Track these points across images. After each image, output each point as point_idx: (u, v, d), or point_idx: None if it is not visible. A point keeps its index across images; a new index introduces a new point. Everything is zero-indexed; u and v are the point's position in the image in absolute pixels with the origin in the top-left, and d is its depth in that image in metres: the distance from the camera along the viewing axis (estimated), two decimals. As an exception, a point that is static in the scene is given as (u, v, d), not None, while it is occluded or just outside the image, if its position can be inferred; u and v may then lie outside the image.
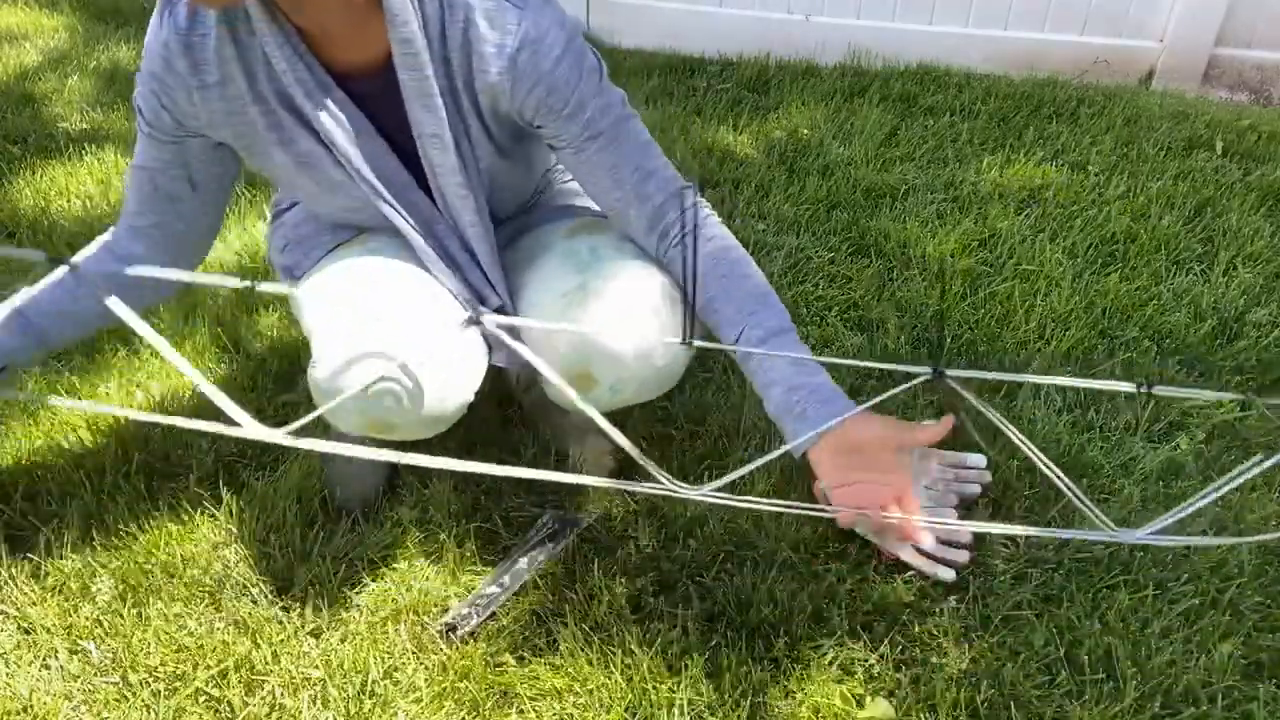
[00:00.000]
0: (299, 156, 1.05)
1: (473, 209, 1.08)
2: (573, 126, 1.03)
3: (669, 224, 1.10)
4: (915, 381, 0.63)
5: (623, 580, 1.22)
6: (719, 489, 0.57)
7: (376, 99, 1.03)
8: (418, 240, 1.10)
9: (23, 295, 1.10)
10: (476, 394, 1.13)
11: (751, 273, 1.11)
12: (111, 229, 1.17)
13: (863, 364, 0.50)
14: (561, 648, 1.14)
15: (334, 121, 1.01)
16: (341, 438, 1.38)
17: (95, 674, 1.10)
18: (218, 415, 1.47)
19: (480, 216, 1.09)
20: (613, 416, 1.48)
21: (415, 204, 1.10)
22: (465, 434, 1.45)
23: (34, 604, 1.18)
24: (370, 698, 1.08)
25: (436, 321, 1.08)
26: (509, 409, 1.49)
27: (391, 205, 1.07)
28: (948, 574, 1.22)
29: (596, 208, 1.26)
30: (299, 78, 0.97)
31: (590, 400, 1.13)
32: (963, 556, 1.24)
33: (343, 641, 1.14)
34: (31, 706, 1.07)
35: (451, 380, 1.08)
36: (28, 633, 1.15)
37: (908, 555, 1.24)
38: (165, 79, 1.00)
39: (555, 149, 1.09)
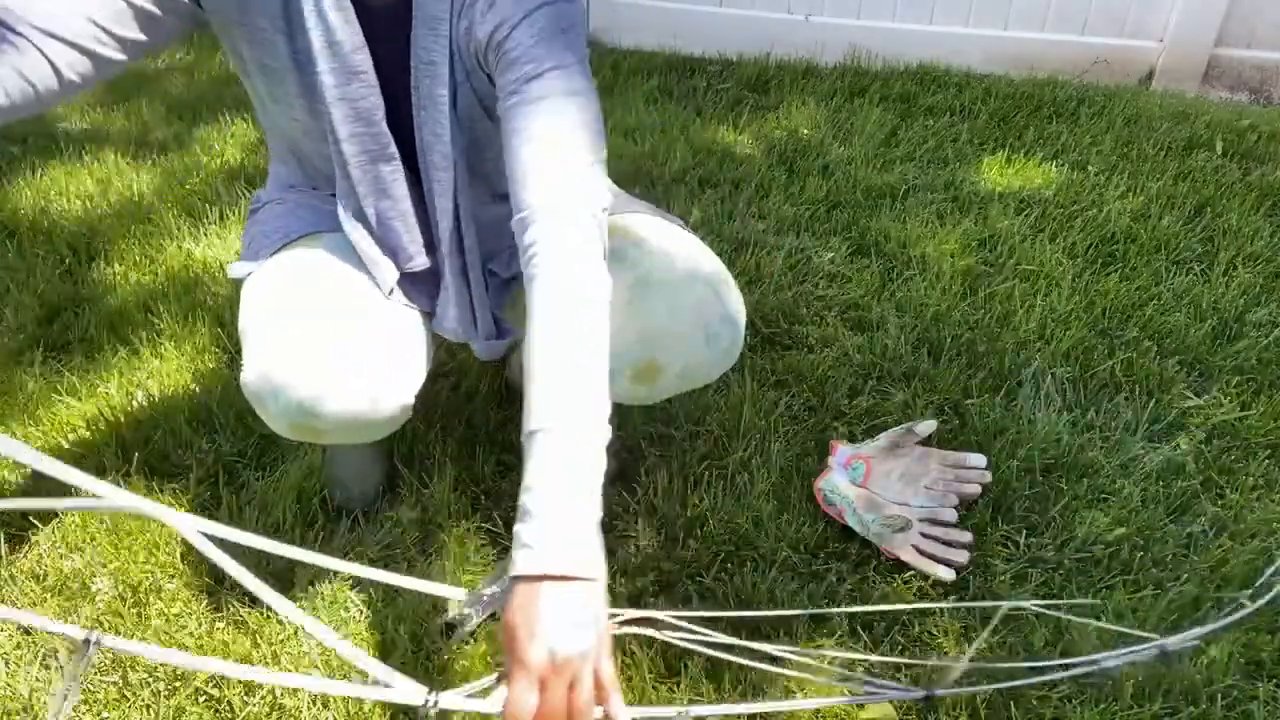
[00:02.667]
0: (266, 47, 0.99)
1: (446, 153, 1.03)
2: (513, 73, 0.93)
3: (537, 237, 0.88)
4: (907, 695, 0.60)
5: (623, 580, 1.22)
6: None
7: (383, 21, 0.99)
8: (342, 165, 1.05)
9: None
10: (418, 397, 1.10)
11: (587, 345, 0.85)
12: None
13: (846, 700, 0.47)
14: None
15: (323, 24, 0.96)
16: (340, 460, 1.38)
17: (95, 674, 1.10)
18: (217, 419, 1.46)
19: (450, 166, 1.04)
20: (615, 413, 1.48)
21: (371, 134, 1.03)
22: (465, 431, 1.45)
23: (34, 604, 1.18)
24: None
25: (371, 323, 1.06)
26: (509, 408, 1.50)
27: (334, 104, 1.00)
28: (948, 574, 1.22)
29: (630, 202, 1.21)
30: None
31: (659, 390, 1.12)
32: (962, 556, 1.24)
33: (343, 639, 1.14)
34: (31, 706, 1.07)
35: (385, 384, 1.04)
36: (28, 633, 1.15)
37: (908, 555, 1.24)
38: None
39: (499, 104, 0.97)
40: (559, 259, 0.86)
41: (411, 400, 1.09)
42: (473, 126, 1.06)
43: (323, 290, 1.06)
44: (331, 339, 1.01)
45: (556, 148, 0.90)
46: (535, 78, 0.92)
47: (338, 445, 1.37)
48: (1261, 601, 1.12)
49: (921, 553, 1.24)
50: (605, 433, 0.83)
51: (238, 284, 1.15)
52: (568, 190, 0.88)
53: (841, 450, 1.38)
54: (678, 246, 1.11)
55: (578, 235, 0.87)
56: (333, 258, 1.10)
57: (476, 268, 1.11)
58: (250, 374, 1.01)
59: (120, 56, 0.91)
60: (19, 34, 0.83)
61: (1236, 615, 1.10)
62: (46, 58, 0.85)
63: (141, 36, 0.92)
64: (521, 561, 0.75)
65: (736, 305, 1.10)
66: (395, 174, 1.07)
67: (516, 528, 0.77)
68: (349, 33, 0.97)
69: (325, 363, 1.00)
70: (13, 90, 0.83)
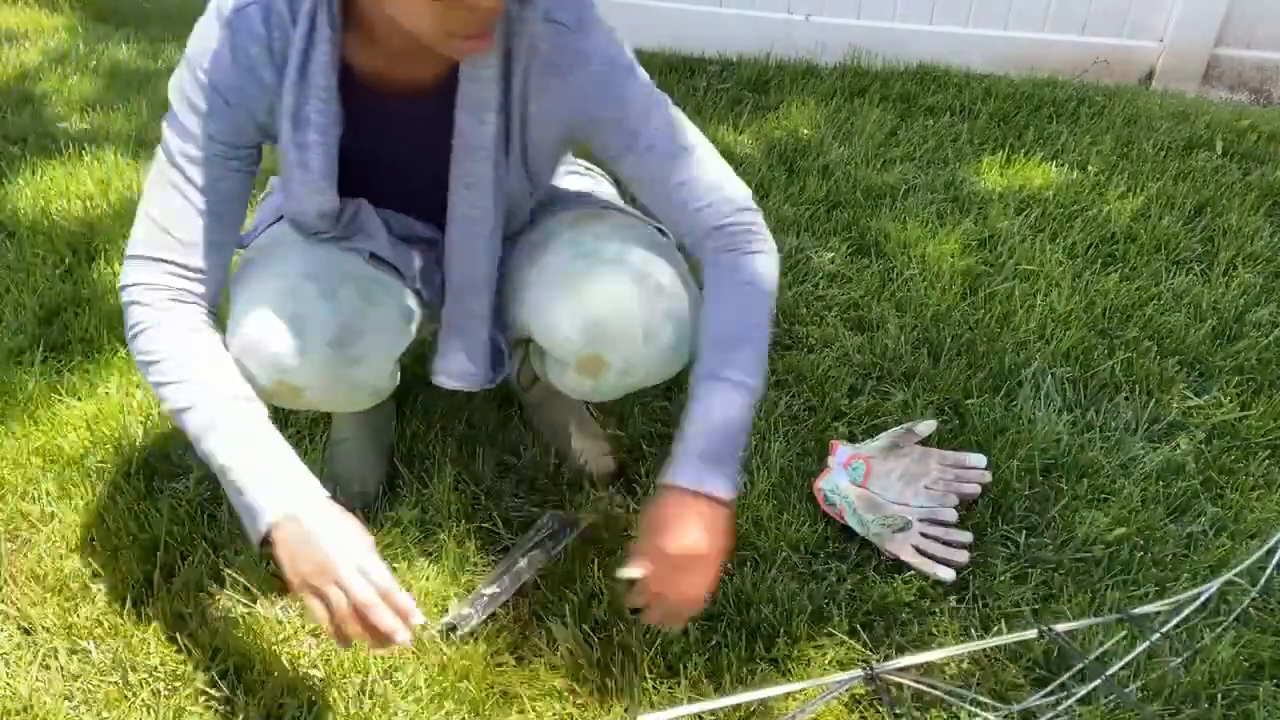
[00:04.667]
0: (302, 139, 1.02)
1: (489, 228, 1.08)
2: (624, 137, 1.03)
3: (719, 244, 1.05)
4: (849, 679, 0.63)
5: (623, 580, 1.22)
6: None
7: (405, 117, 1.03)
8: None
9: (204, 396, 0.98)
10: (401, 365, 1.13)
11: (754, 331, 1.03)
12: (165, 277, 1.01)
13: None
14: (561, 648, 1.14)
15: (322, 119, 0.99)
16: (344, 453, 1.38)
17: (95, 674, 1.10)
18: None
19: (493, 237, 1.09)
20: (615, 413, 1.48)
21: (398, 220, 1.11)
22: (465, 431, 1.45)
23: (34, 604, 1.18)
24: (370, 698, 1.08)
25: (354, 286, 1.06)
26: (509, 408, 1.50)
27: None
28: (948, 574, 1.22)
29: (596, 197, 1.25)
30: (323, 64, 0.95)
31: (602, 384, 1.13)
32: (962, 556, 1.24)
33: (343, 641, 1.14)
34: (31, 706, 1.07)
35: (363, 343, 1.05)
36: (28, 633, 1.15)
37: (908, 555, 1.24)
38: (240, 62, 0.95)
39: (610, 160, 1.06)
40: (743, 264, 1.03)
41: (392, 365, 1.10)
42: (510, 195, 1.09)
43: (309, 255, 1.07)
44: (311, 298, 1.02)
45: (702, 173, 1.04)
46: (640, 130, 1.02)
47: (339, 442, 1.37)
48: (1218, 583, 1.13)
49: (921, 553, 1.24)
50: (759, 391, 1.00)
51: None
52: (732, 209, 1.04)
53: (841, 450, 1.38)
54: (639, 247, 1.10)
55: (755, 245, 1.05)
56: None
57: (489, 315, 1.15)
58: (231, 333, 1.04)
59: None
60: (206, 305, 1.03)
61: (1200, 593, 1.10)
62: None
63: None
64: (683, 476, 0.95)
65: (680, 307, 1.08)
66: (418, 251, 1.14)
67: (681, 447, 0.97)
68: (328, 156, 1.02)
69: (303, 319, 1.01)
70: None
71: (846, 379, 1.57)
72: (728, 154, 2.33)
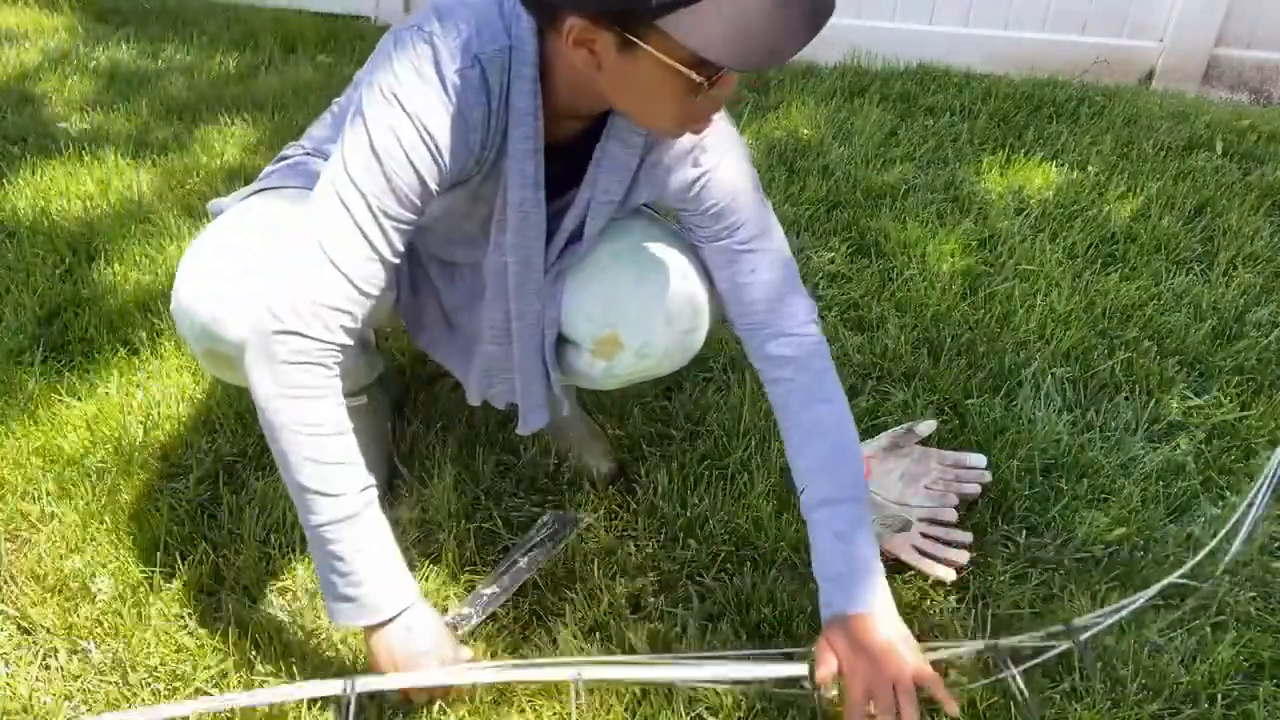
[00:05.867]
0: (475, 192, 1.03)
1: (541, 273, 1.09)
2: (726, 237, 1.08)
3: (784, 353, 1.10)
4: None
5: (623, 580, 1.22)
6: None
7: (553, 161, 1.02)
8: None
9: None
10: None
11: (848, 445, 1.08)
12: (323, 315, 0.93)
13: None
14: (561, 648, 1.14)
15: (522, 175, 0.98)
16: None
17: (95, 674, 1.10)
18: (217, 419, 1.46)
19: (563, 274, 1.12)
20: (615, 413, 1.48)
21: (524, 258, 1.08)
22: (465, 431, 1.45)
23: (34, 604, 1.18)
24: (370, 698, 1.08)
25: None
26: (509, 408, 1.49)
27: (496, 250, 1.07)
28: (948, 574, 1.22)
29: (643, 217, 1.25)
30: (527, 131, 0.95)
31: (616, 366, 1.14)
32: (963, 556, 1.24)
33: (343, 642, 1.14)
34: (31, 706, 1.07)
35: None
36: (28, 633, 1.15)
37: (908, 555, 1.24)
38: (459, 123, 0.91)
39: (701, 239, 1.10)
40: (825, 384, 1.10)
41: (349, 341, 0.96)
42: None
43: (265, 228, 1.05)
44: (248, 268, 1.01)
45: (783, 287, 1.12)
46: (741, 226, 1.08)
47: None
48: (1161, 584, 1.14)
49: (922, 553, 1.24)
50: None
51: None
52: (803, 323, 1.11)
53: (841, 450, 1.38)
54: (667, 242, 1.12)
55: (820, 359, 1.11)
56: (298, 207, 1.00)
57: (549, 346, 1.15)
58: (173, 298, 1.05)
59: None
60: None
61: (1136, 599, 1.11)
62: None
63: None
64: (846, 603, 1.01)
65: (703, 298, 1.12)
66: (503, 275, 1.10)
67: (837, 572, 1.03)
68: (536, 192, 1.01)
69: (234, 287, 1.01)
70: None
71: (846, 379, 1.56)
72: (728, 154, 2.33)
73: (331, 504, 0.94)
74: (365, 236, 0.91)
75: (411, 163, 0.90)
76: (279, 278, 0.92)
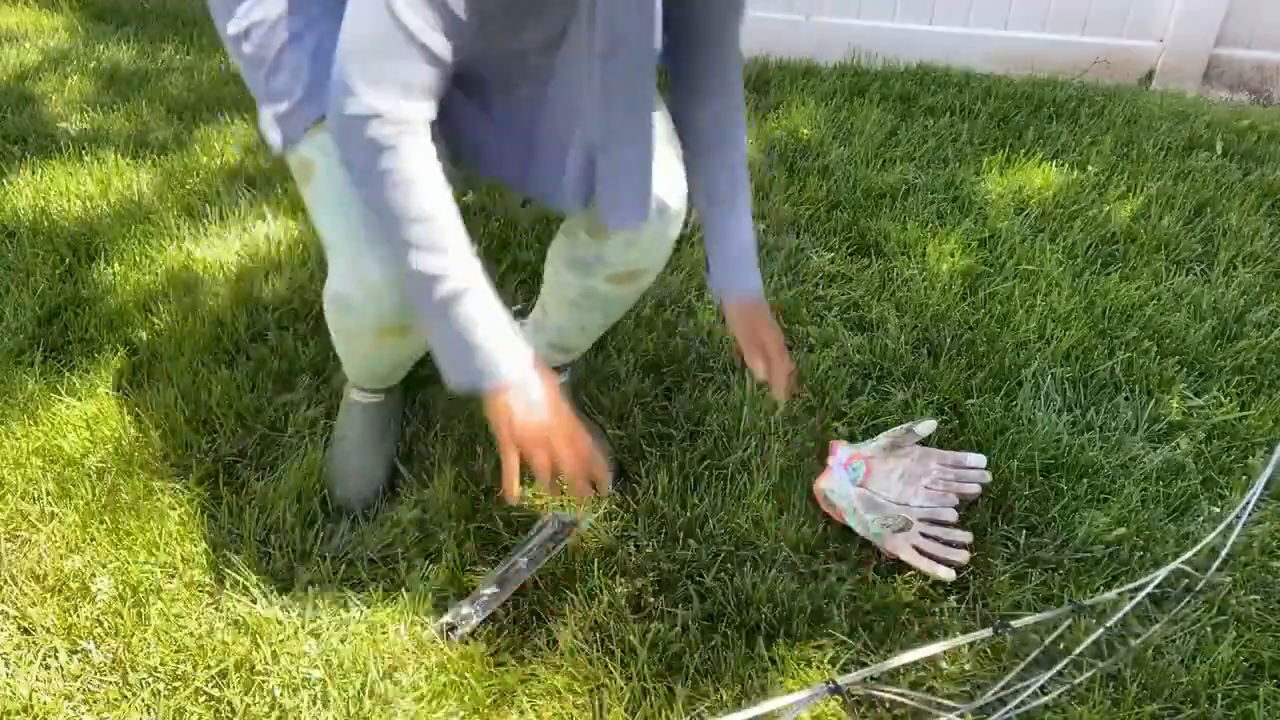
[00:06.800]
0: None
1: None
2: None
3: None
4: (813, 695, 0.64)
5: (623, 580, 1.22)
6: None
7: None
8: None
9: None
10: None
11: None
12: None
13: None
14: (561, 648, 1.14)
15: None
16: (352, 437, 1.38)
17: (95, 674, 1.10)
18: (217, 419, 1.46)
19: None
20: (615, 413, 1.48)
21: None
22: (465, 431, 1.45)
23: (34, 604, 1.18)
24: (370, 698, 1.08)
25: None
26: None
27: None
28: (948, 574, 1.22)
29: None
30: None
31: (604, 251, 1.18)
32: (962, 556, 1.24)
33: (343, 642, 1.14)
34: (31, 706, 1.07)
35: None
36: (28, 633, 1.15)
37: (908, 555, 1.24)
38: None
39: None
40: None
41: None
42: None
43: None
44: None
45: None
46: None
47: (341, 440, 1.37)
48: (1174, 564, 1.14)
49: (921, 553, 1.24)
50: None
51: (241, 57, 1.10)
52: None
53: (841, 450, 1.38)
54: (668, 134, 1.17)
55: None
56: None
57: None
58: (346, 283, 1.07)
59: None
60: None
61: (1155, 576, 1.11)
62: None
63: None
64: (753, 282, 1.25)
65: (684, 192, 1.17)
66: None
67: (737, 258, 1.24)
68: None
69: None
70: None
71: (846, 379, 1.57)
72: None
73: (440, 285, 0.94)
74: (414, 45, 0.91)
75: None
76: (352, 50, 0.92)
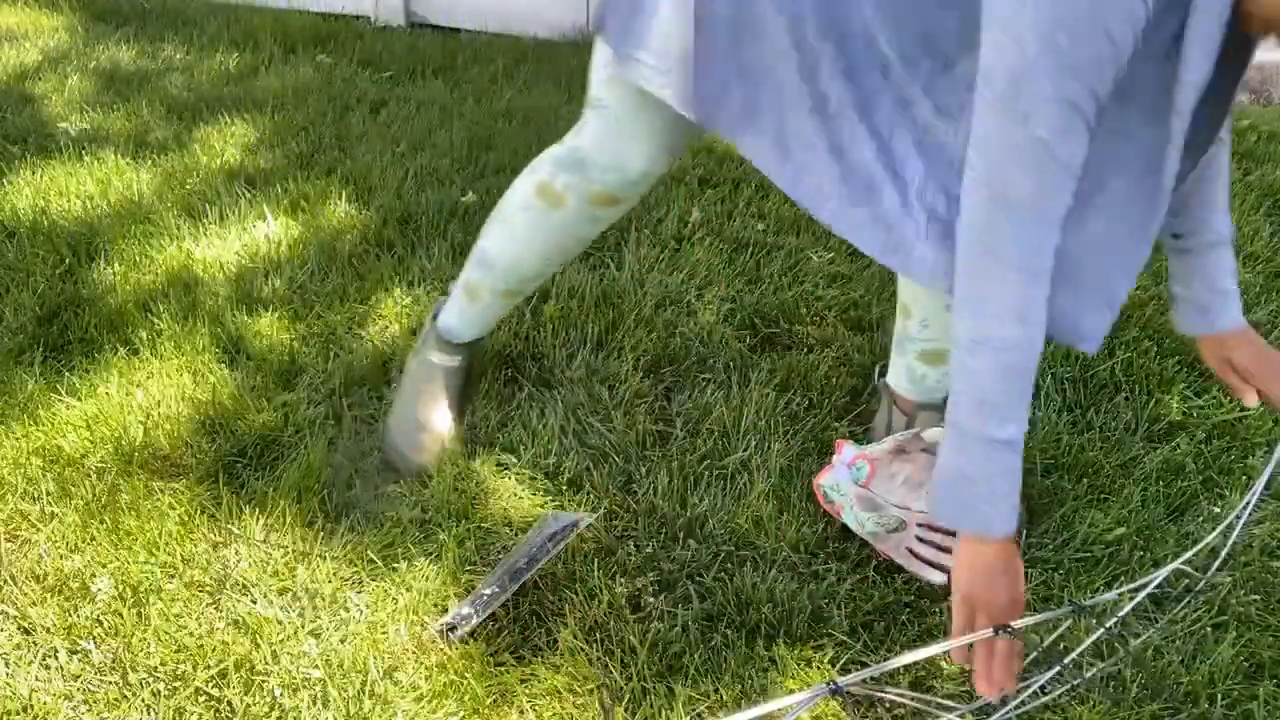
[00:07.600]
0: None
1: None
2: None
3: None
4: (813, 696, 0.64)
5: (623, 580, 1.22)
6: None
7: None
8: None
9: None
10: None
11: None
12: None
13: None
14: (561, 648, 1.14)
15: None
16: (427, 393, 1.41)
17: (95, 674, 1.10)
18: (217, 419, 1.46)
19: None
20: (615, 407, 1.48)
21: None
22: (465, 431, 1.45)
23: (34, 604, 1.18)
24: (370, 698, 1.08)
25: None
26: (509, 407, 1.49)
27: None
28: (938, 577, 1.22)
29: None
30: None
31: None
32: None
33: (343, 642, 1.14)
34: (31, 706, 1.07)
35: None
36: (28, 633, 1.15)
37: (900, 557, 1.24)
38: None
39: None
40: None
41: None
42: None
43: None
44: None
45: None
46: None
47: (417, 402, 1.42)
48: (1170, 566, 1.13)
49: (915, 556, 1.24)
50: None
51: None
52: None
53: (847, 449, 1.38)
54: None
55: None
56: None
57: None
58: (600, 147, 1.14)
59: None
60: None
61: (1149, 581, 1.10)
62: None
63: None
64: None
65: None
66: None
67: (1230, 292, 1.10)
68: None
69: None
70: None
71: (846, 379, 1.57)
72: (728, 153, 2.33)
73: (1010, 425, 0.90)
74: (1044, 148, 0.83)
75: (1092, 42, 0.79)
76: None
